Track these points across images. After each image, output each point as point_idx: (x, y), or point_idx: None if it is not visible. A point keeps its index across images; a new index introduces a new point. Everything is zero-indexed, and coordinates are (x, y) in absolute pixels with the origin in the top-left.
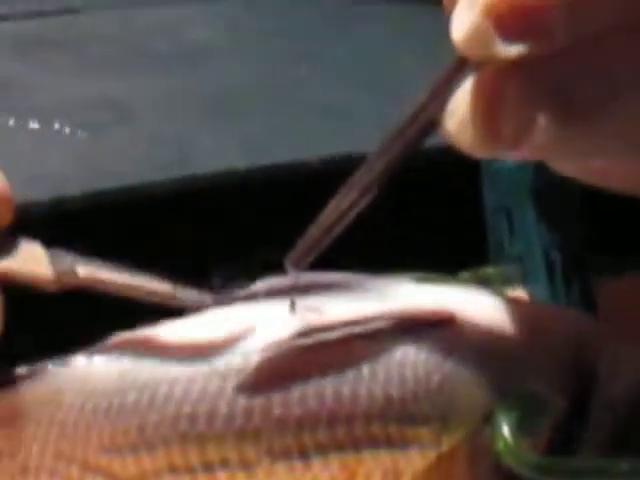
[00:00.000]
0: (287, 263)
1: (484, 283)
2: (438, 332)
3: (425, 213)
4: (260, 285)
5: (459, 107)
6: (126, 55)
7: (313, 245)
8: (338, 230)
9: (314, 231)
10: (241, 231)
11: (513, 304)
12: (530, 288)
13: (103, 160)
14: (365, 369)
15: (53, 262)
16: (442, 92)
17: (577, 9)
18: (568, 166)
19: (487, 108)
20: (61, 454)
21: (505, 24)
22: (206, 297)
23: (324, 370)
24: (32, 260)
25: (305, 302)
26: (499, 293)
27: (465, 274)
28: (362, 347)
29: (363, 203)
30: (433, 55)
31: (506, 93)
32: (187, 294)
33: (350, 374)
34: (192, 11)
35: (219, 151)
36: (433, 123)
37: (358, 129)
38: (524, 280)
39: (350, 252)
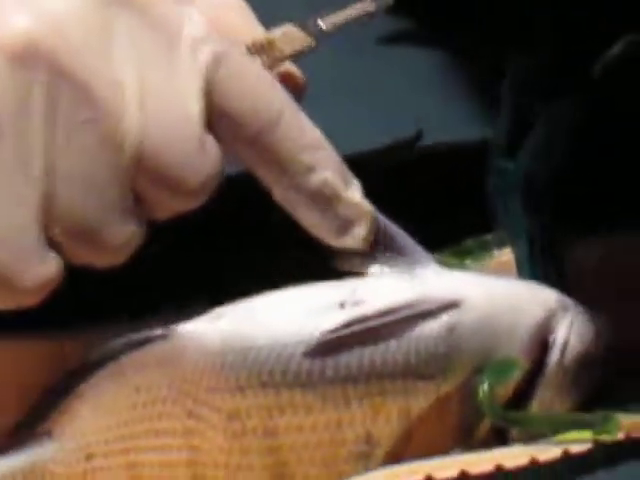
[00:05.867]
0: None
1: (484, 247)
2: (447, 314)
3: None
4: None
5: None
6: None
7: None
8: None
9: None
10: None
11: (502, 289)
12: (516, 253)
13: None
14: (392, 343)
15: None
16: None
17: None
18: None
19: None
20: (181, 391)
21: None
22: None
23: (363, 345)
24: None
25: (353, 298)
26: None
27: (469, 240)
28: (391, 328)
29: None
30: None
31: None
32: None
33: (381, 347)
34: None
35: None
36: None
37: None
38: (512, 246)
39: None
